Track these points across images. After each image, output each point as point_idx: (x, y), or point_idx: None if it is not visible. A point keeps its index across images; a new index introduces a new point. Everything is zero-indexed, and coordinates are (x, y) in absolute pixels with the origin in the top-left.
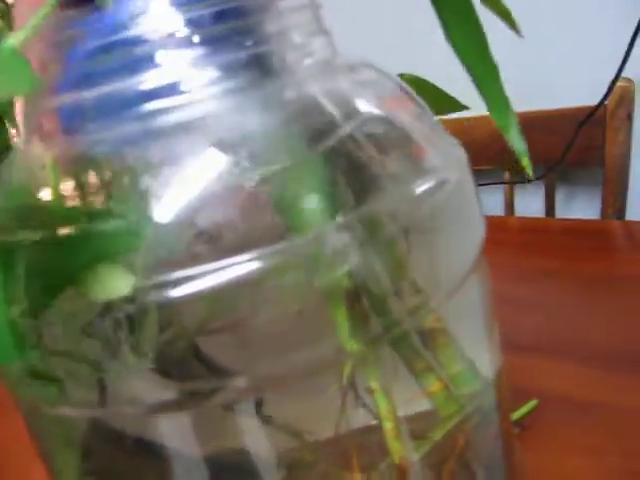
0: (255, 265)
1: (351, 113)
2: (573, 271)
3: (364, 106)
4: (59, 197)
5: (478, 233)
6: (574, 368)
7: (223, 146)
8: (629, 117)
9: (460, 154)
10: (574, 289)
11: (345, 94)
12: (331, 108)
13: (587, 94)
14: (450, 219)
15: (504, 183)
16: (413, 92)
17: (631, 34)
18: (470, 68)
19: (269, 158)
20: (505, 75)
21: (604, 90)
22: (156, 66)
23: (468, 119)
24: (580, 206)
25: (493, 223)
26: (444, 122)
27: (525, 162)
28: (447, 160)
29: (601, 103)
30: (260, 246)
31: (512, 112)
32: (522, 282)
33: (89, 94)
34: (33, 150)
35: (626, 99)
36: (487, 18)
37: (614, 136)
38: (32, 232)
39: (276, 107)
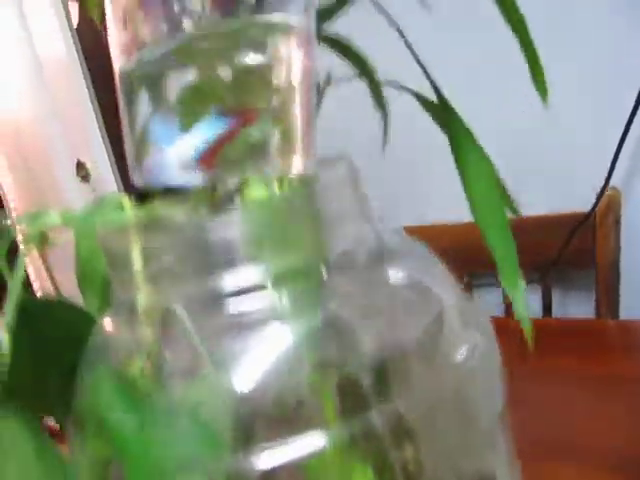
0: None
1: (400, 293)
2: (573, 370)
3: (408, 282)
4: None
5: (501, 390)
6: (575, 469)
7: (291, 332)
8: (617, 222)
9: (485, 320)
10: (574, 389)
11: (393, 279)
12: (384, 292)
13: (576, 199)
14: (479, 378)
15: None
16: (446, 269)
17: (616, 145)
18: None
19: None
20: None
21: (589, 194)
22: (235, 268)
23: (465, 224)
24: (576, 305)
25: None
26: (445, 227)
27: (527, 329)
28: (476, 325)
29: (591, 212)
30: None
31: (521, 279)
32: (520, 382)
33: (177, 291)
34: (120, 332)
35: (613, 206)
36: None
37: (604, 240)
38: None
39: (335, 300)
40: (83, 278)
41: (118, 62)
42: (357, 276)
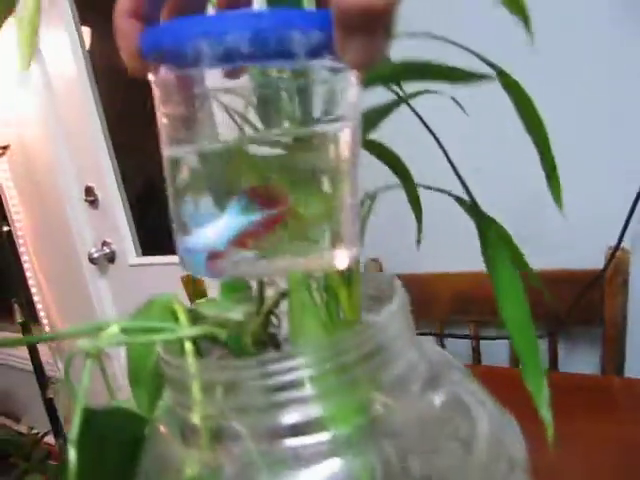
0: None
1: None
2: (580, 428)
3: (450, 401)
4: None
5: None
6: None
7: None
8: (625, 282)
9: (517, 430)
10: (581, 448)
11: (438, 400)
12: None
13: (581, 258)
14: None
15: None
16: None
17: (629, 209)
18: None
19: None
20: None
21: (596, 253)
22: (297, 406)
23: (470, 274)
24: (581, 360)
25: (500, 374)
26: (451, 276)
27: (550, 432)
28: (511, 438)
29: (603, 271)
30: None
31: (545, 381)
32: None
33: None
34: (178, 452)
35: (622, 267)
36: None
37: (612, 299)
38: None
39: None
40: (134, 375)
41: (166, 148)
42: (408, 402)
